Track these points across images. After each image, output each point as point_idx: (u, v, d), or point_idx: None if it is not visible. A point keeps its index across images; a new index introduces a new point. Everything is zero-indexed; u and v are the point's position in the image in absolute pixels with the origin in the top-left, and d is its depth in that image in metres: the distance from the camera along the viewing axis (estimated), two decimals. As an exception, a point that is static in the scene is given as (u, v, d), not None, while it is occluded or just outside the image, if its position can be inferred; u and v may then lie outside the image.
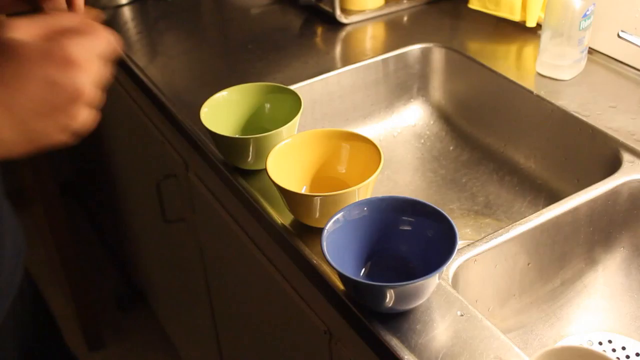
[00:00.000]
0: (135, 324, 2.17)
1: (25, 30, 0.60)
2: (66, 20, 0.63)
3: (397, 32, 1.34)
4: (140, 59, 1.30)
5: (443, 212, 0.76)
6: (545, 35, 1.11)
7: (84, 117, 0.64)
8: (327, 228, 0.75)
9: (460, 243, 0.73)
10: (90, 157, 2.12)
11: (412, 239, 0.79)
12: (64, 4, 0.72)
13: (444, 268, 0.71)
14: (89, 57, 0.62)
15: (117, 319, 2.19)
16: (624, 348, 0.93)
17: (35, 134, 0.61)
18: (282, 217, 0.90)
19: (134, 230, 1.90)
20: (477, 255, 0.84)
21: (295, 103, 0.97)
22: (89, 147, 2.08)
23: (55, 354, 1.10)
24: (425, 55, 1.26)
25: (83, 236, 2.43)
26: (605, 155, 1.01)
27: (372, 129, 1.26)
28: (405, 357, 0.71)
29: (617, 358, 0.92)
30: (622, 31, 1.05)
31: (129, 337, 2.14)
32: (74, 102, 0.61)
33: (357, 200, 0.81)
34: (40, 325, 1.05)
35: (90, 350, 2.09)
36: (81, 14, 0.66)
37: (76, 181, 2.49)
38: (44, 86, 0.59)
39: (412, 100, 1.29)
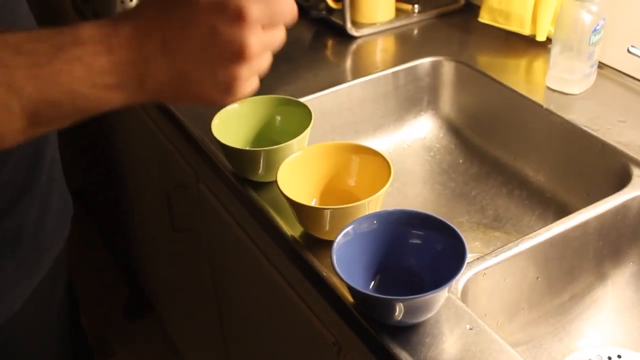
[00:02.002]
0: (144, 333, 2.17)
1: None
2: None
3: (408, 45, 1.34)
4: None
5: (453, 225, 0.76)
6: (555, 49, 1.12)
7: (245, 79, 0.61)
8: (337, 241, 0.76)
9: (469, 256, 0.74)
10: (100, 167, 2.13)
11: (421, 252, 0.79)
12: None
13: (453, 282, 0.71)
14: (263, 17, 0.59)
15: (125, 327, 2.19)
16: (633, 363, 0.93)
17: (190, 81, 0.60)
18: (291, 229, 0.90)
19: (143, 239, 1.91)
20: (486, 269, 0.84)
21: (305, 115, 0.97)
22: (99, 157, 2.09)
23: (75, 333, 1.12)
24: (435, 68, 1.27)
25: (92, 245, 2.44)
26: (614, 170, 1.01)
27: (381, 142, 1.26)
28: (414, 370, 0.71)
29: (626, 373, 0.92)
30: (632, 46, 1.06)
31: (137, 346, 2.14)
32: (235, 60, 0.59)
33: (367, 213, 0.81)
34: (68, 302, 1.08)
35: (98, 358, 2.09)
36: None
37: (86, 190, 2.50)
38: (208, 35, 0.58)
39: (421, 113, 1.30)
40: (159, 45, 0.58)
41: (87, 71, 0.56)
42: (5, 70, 0.54)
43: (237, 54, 0.59)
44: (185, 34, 0.58)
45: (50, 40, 0.56)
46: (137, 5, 0.60)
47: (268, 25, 0.61)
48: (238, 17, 0.58)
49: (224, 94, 0.61)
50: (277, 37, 0.63)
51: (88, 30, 0.56)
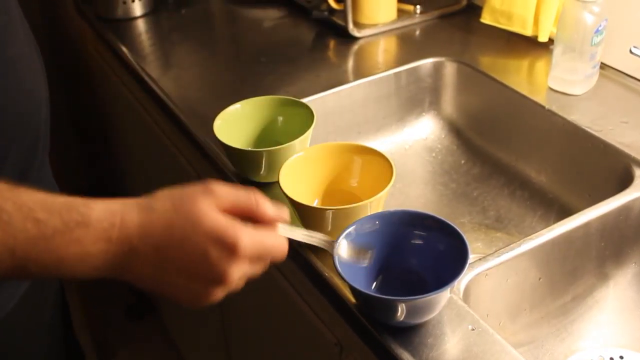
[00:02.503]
0: (146, 334, 2.17)
1: (219, 198, 0.64)
2: (260, 209, 0.67)
3: (409, 46, 1.34)
4: (153, 70, 1.31)
5: (455, 226, 0.76)
6: (557, 50, 1.12)
7: (216, 298, 0.66)
8: (339, 241, 0.76)
9: (471, 257, 0.74)
10: (103, 169, 2.13)
11: (423, 252, 0.79)
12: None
13: (456, 282, 0.71)
14: (254, 255, 0.65)
15: (127, 329, 2.19)
16: (635, 364, 0.93)
17: (166, 284, 0.65)
18: (294, 229, 0.90)
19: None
20: (488, 269, 0.84)
21: (307, 116, 0.97)
22: (102, 159, 2.09)
23: (68, 337, 1.12)
24: (437, 69, 1.27)
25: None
26: (616, 171, 1.01)
27: (383, 142, 1.26)
28: (416, 370, 0.71)
29: (628, 374, 0.92)
30: (634, 47, 1.06)
31: (139, 348, 2.14)
32: (214, 284, 0.64)
33: (369, 213, 0.81)
34: (60, 306, 1.08)
35: (100, 360, 2.10)
36: (274, 209, 0.68)
37: (88, 192, 2.50)
38: (199, 256, 0.63)
39: (423, 113, 1.30)
40: (152, 248, 0.62)
41: (81, 252, 0.61)
42: (10, 230, 0.59)
43: (218, 280, 0.64)
44: (181, 247, 0.63)
45: (61, 214, 0.61)
46: (153, 196, 0.66)
47: (255, 260, 0.66)
48: (231, 251, 0.63)
49: (192, 302, 0.66)
50: (260, 269, 0.68)
51: (97, 215, 0.62)
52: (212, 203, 0.64)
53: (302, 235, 0.74)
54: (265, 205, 0.67)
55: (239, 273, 0.64)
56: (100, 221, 0.62)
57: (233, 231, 0.63)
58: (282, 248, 0.68)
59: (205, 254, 0.62)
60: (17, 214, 0.59)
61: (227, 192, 0.65)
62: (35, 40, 0.91)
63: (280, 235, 0.68)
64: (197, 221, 0.63)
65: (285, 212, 0.69)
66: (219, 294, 0.66)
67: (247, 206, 0.66)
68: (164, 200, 0.65)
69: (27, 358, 0.99)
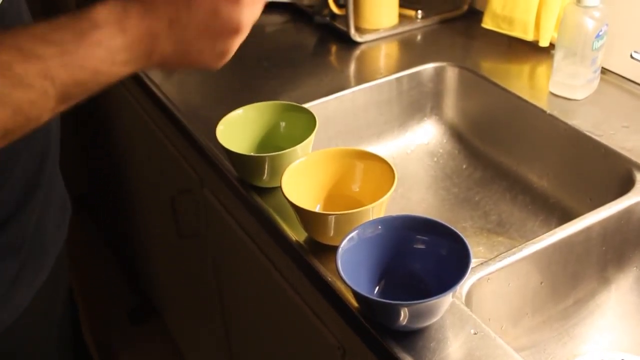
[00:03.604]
0: (148, 338, 2.17)
1: None
2: None
3: (411, 51, 1.35)
4: (156, 75, 1.31)
5: (457, 231, 0.76)
6: (558, 55, 1.12)
7: (235, 48, 0.70)
8: (341, 246, 0.76)
9: (473, 261, 0.74)
10: (104, 171, 2.14)
11: (425, 257, 0.79)
12: None
13: (458, 287, 0.71)
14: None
15: (130, 332, 2.20)
16: (636, 368, 0.93)
17: (191, 52, 0.68)
18: (296, 234, 0.90)
19: (147, 244, 1.91)
20: (490, 273, 0.85)
21: (310, 121, 0.98)
22: (103, 161, 2.09)
23: (77, 341, 1.12)
24: (438, 74, 1.27)
25: (96, 249, 2.45)
26: (618, 175, 1.01)
27: (385, 147, 1.27)
28: (419, 375, 0.71)
29: (630, 378, 0.92)
30: (635, 51, 1.06)
31: (142, 351, 2.14)
32: (232, 34, 0.68)
33: (371, 218, 0.81)
34: (69, 310, 1.08)
35: (102, 363, 2.10)
36: None
37: (90, 195, 2.50)
38: (210, 14, 0.66)
39: (425, 118, 1.30)
40: (166, 22, 0.65)
41: (107, 53, 0.63)
42: (40, 61, 0.60)
43: (234, 30, 0.68)
44: (190, 12, 0.65)
45: (72, 28, 0.62)
46: None
47: (256, 3, 0.70)
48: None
49: (219, 61, 0.71)
50: (259, 10, 0.71)
51: (102, 15, 0.63)
52: None
53: None
54: None
55: (248, 18, 0.68)
56: (106, 19, 0.63)
57: None
58: None
59: (214, 10, 0.66)
60: (36, 43, 0.61)
61: None
62: None
63: None
64: None
65: None
66: (238, 42, 0.70)
67: None
68: None
69: (40, 355, 1.00)
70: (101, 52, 0.62)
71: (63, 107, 0.64)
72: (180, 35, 0.66)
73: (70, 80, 0.61)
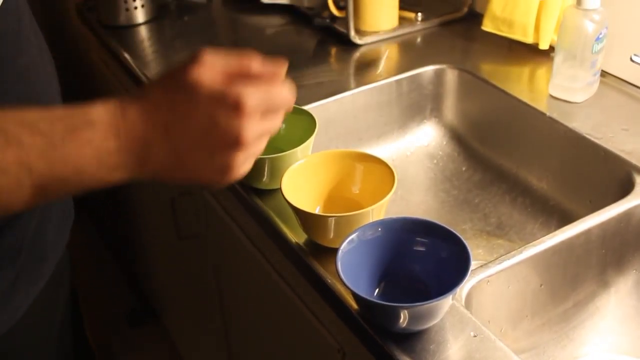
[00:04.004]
0: (148, 340, 2.17)
1: (211, 65, 0.62)
2: (254, 65, 0.64)
3: (411, 54, 1.35)
4: (156, 77, 1.31)
5: (457, 233, 0.76)
6: (558, 57, 1.12)
7: (240, 164, 0.64)
8: (341, 248, 0.76)
9: (473, 264, 0.74)
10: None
11: (425, 259, 0.79)
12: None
13: (458, 289, 0.71)
14: (260, 108, 0.63)
15: (129, 335, 2.20)
16: (636, 370, 0.93)
17: (187, 164, 0.63)
18: (296, 236, 0.90)
19: (147, 245, 1.91)
20: (489, 276, 0.85)
21: (310, 123, 0.98)
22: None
23: (77, 340, 1.12)
24: (438, 76, 1.27)
25: (96, 251, 2.44)
26: (617, 178, 1.01)
27: (385, 149, 1.27)
28: (419, 377, 0.71)
29: (630, 380, 0.92)
30: (634, 54, 1.06)
31: (141, 354, 2.14)
32: (232, 148, 0.62)
33: (371, 220, 0.81)
34: (70, 309, 1.08)
35: (101, 365, 2.10)
36: (271, 64, 0.66)
37: (90, 198, 2.50)
38: (207, 124, 0.61)
39: (425, 120, 1.30)
40: (162, 131, 0.61)
41: (95, 153, 0.60)
42: (21, 149, 0.58)
43: (234, 143, 0.62)
44: (187, 121, 0.61)
45: (65, 121, 0.59)
46: (143, 87, 0.65)
47: (265, 112, 0.64)
48: (236, 107, 0.61)
49: (220, 177, 0.65)
50: (274, 124, 0.66)
51: (98, 113, 0.60)
52: (204, 71, 0.62)
53: None
54: (259, 62, 0.65)
55: (253, 131, 0.62)
56: (102, 118, 0.60)
57: (234, 88, 0.61)
58: (289, 95, 0.66)
59: (213, 119, 0.61)
60: (23, 130, 0.58)
61: (216, 59, 0.63)
62: (47, 48, 0.92)
63: (282, 83, 0.65)
64: (194, 89, 0.61)
65: (281, 64, 0.67)
66: (241, 158, 0.64)
67: (239, 67, 0.64)
68: (155, 84, 0.64)
69: (39, 357, 1.00)
70: (89, 151, 0.59)
71: (40, 200, 0.61)
72: (176, 145, 0.62)
73: (49, 174, 0.59)
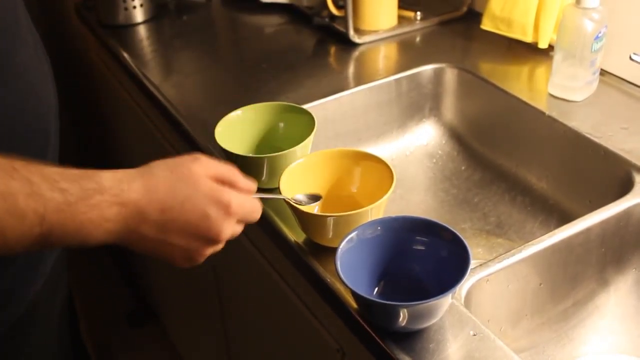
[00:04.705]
0: (147, 341, 2.17)
1: (206, 166, 0.72)
2: (238, 179, 0.75)
3: (410, 53, 1.35)
4: (155, 76, 1.31)
5: (456, 232, 0.76)
6: (557, 56, 1.12)
7: (205, 256, 0.73)
8: (340, 247, 0.76)
9: (472, 263, 0.74)
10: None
11: (425, 258, 0.79)
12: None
13: (457, 288, 0.71)
14: (239, 214, 0.72)
15: (129, 336, 2.19)
16: (636, 369, 0.93)
17: (166, 243, 0.70)
18: (295, 235, 0.90)
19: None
20: (489, 275, 0.85)
21: (308, 122, 0.98)
22: (103, 165, 2.09)
23: (75, 345, 1.12)
24: (437, 75, 1.27)
25: (96, 251, 2.44)
26: (617, 177, 1.01)
27: (384, 148, 1.27)
28: (418, 376, 0.71)
29: (629, 379, 0.92)
30: (634, 53, 1.06)
31: (141, 355, 2.14)
32: (210, 242, 0.71)
33: (369, 219, 0.81)
34: (67, 310, 1.08)
35: (101, 366, 2.10)
36: (247, 181, 0.77)
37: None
38: (199, 215, 0.70)
39: (424, 120, 1.30)
40: (159, 209, 0.68)
41: (99, 217, 0.66)
42: (40, 200, 0.63)
43: (213, 239, 0.71)
44: (183, 207, 0.69)
45: (79, 183, 0.66)
46: (150, 165, 0.72)
47: (240, 219, 0.74)
48: (226, 210, 0.70)
49: (185, 262, 0.73)
50: (240, 229, 0.75)
51: (108, 181, 0.67)
52: (203, 170, 0.71)
53: (262, 195, 0.82)
54: (241, 177, 0.76)
55: (230, 231, 0.72)
56: (111, 188, 0.67)
57: (227, 193, 0.71)
58: (259, 210, 0.76)
59: (205, 213, 0.69)
60: (45, 184, 0.64)
61: (211, 162, 0.73)
62: (44, 48, 0.92)
63: (255, 199, 0.76)
64: (195, 183, 0.70)
65: (254, 185, 0.78)
66: (210, 252, 0.72)
67: (228, 176, 0.74)
68: (161, 167, 0.71)
69: (37, 358, 1.00)
70: (94, 214, 0.65)
71: (36, 248, 0.65)
72: (166, 225, 0.69)
73: (57, 225, 0.64)
